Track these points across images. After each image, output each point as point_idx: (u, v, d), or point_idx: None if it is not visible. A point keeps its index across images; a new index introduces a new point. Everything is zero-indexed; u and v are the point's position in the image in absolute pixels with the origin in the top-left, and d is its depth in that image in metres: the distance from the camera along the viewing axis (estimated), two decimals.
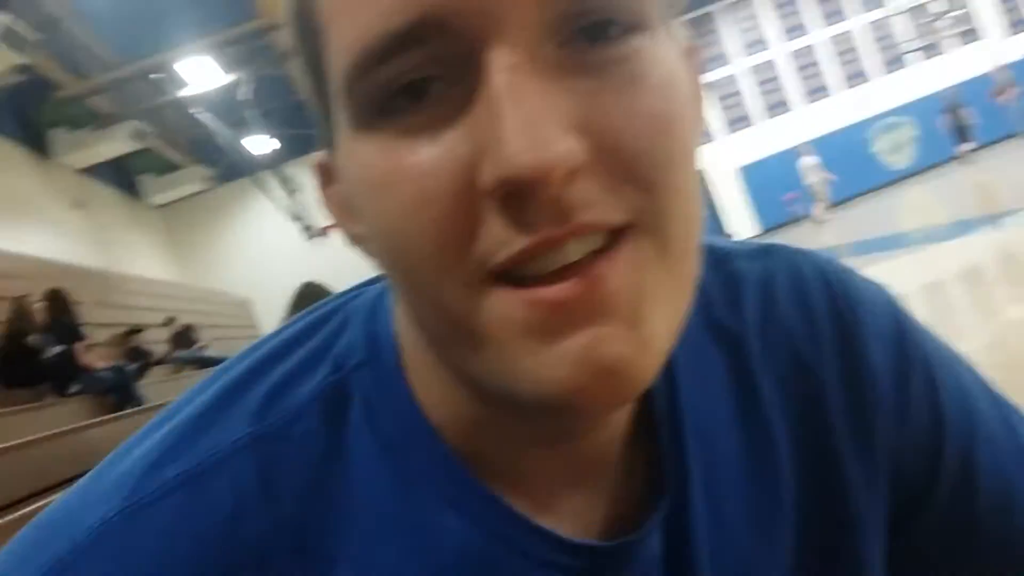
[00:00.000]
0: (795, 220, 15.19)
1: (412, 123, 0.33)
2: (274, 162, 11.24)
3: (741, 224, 15.41)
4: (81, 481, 0.41)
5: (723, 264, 0.51)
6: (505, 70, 0.31)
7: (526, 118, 0.30)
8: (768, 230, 15.21)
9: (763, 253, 0.52)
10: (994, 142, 13.84)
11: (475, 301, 0.33)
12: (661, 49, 0.34)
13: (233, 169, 12.65)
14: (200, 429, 0.41)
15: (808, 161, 13.92)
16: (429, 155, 0.32)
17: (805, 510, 0.48)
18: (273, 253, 14.04)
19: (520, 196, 0.31)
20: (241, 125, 10.63)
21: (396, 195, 0.33)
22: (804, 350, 0.49)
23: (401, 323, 0.43)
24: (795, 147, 14.88)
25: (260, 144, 11.46)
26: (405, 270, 0.35)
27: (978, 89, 14.15)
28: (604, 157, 0.32)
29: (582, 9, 0.32)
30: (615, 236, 0.33)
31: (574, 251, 0.32)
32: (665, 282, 0.34)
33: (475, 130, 0.31)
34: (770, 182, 15.34)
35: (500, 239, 0.32)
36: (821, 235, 11.47)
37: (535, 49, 0.31)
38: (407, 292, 0.36)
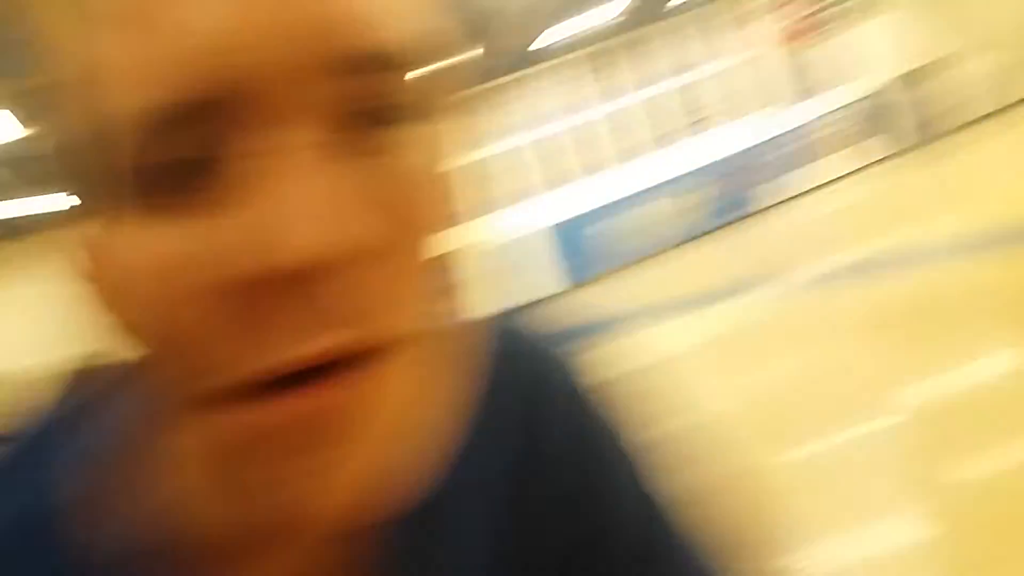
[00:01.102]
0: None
1: (178, 207, 0.30)
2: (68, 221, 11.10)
3: (511, 297, 15.43)
4: None
5: None
6: (280, 152, 0.29)
7: (301, 205, 0.28)
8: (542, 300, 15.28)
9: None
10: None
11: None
12: (439, 136, 0.34)
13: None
14: None
15: None
16: (191, 244, 0.29)
17: None
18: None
19: (287, 293, 0.29)
20: (40, 182, 10.53)
21: (155, 286, 0.30)
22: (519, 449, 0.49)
23: None
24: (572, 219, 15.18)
25: (59, 201, 11.36)
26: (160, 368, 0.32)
27: (748, 161, 14.50)
28: (377, 246, 0.30)
29: (362, 94, 0.31)
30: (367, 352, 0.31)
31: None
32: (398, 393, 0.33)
33: (245, 217, 0.29)
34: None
35: (271, 340, 0.29)
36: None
37: (312, 132, 0.30)
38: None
